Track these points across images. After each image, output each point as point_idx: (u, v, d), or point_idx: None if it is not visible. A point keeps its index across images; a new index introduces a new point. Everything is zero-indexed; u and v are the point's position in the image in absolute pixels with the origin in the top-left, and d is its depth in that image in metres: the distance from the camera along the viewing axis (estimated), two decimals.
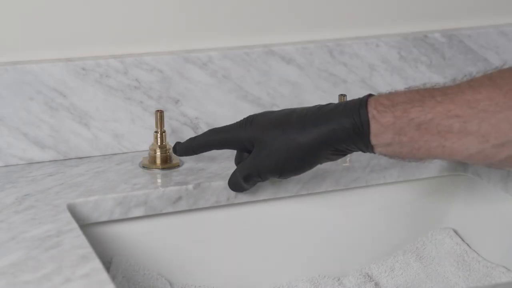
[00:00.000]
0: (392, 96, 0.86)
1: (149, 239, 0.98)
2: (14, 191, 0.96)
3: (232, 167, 1.02)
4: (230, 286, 1.02)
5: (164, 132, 1.02)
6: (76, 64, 1.05)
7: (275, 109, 1.14)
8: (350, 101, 0.88)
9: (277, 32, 1.15)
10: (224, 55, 1.11)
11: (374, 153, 0.88)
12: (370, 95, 0.87)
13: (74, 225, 0.86)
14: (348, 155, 0.94)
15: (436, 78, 1.19)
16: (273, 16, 1.15)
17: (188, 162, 1.05)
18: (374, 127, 0.85)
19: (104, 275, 0.75)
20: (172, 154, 1.03)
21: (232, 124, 0.95)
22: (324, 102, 1.15)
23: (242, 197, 0.99)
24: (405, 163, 1.02)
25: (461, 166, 1.08)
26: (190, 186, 0.97)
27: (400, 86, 1.18)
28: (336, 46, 1.16)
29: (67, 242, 0.82)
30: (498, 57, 1.23)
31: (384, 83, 1.17)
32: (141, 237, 0.98)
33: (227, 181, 0.97)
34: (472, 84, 0.84)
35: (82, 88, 1.05)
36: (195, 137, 0.98)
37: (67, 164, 1.05)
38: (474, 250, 1.07)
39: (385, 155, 0.88)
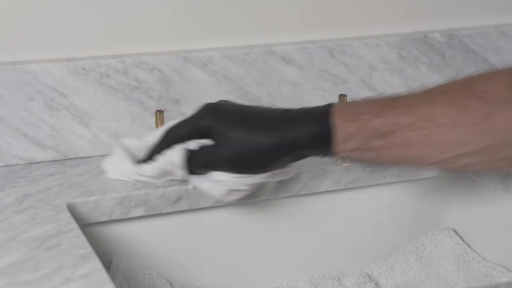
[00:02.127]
0: (354, 106, 0.90)
1: (149, 239, 0.98)
2: (14, 191, 0.96)
3: None
4: (230, 286, 1.02)
5: None
6: (76, 64, 1.05)
7: None
8: (314, 108, 0.90)
9: (277, 32, 1.15)
10: (224, 55, 1.11)
11: (335, 158, 0.92)
12: (331, 104, 0.90)
13: (74, 225, 0.86)
14: None
15: (436, 78, 1.19)
16: (273, 16, 1.15)
17: None
18: (339, 136, 0.88)
19: (104, 275, 0.75)
20: None
21: (188, 117, 0.94)
22: (324, 102, 1.15)
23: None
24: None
25: None
26: (190, 186, 0.97)
27: (400, 86, 1.18)
28: (336, 46, 1.16)
29: (67, 242, 0.82)
30: (498, 57, 1.23)
31: (384, 83, 1.17)
32: (141, 237, 0.98)
33: None
34: (429, 97, 0.89)
35: (82, 88, 1.05)
36: (155, 147, 0.96)
37: (67, 164, 1.05)
38: (474, 250, 1.07)
39: (347, 159, 0.92)
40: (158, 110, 1.02)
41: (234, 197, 0.93)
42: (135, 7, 1.08)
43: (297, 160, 0.93)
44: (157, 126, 1.02)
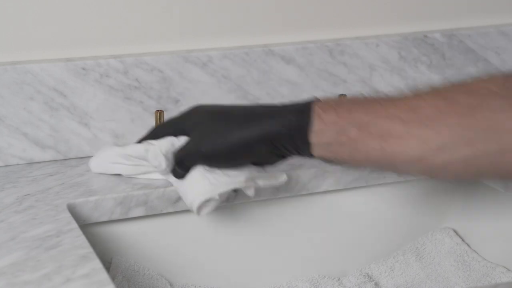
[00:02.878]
0: (337, 100, 0.88)
1: (149, 239, 0.98)
2: (14, 191, 0.96)
3: None
4: (230, 286, 1.02)
5: None
6: (76, 64, 1.05)
7: None
8: (297, 101, 0.88)
9: (277, 32, 1.15)
10: (224, 55, 1.11)
11: (312, 155, 0.86)
12: (315, 98, 0.87)
13: (74, 225, 0.86)
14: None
15: (436, 78, 1.19)
16: (273, 16, 1.15)
17: None
18: (316, 124, 0.84)
19: (104, 275, 0.75)
20: None
21: (175, 116, 0.95)
22: None
23: (242, 197, 0.99)
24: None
25: None
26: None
27: (400, 86, 1.18)
28: (336, 46, 1.16)
29: (67, 242, 0.82)
30: (498, 57, 1.23)
31: (384, 83, 1.17)
32: (141, 237, 0.98)
33: None
34: (416, 92, 0.84)
35: (82, 88, 1.05)
36: (142, 138, 0.97)
37: (67, 164, 1.05)
38: (474, 250, 1.07)
39: (323, 158, 0.86)
40: (158, 110, 1.02)
41: (206, 209, 0.91)
42: (135, 7, 1.08)
43: (281, 156, 0.89)
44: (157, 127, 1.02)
